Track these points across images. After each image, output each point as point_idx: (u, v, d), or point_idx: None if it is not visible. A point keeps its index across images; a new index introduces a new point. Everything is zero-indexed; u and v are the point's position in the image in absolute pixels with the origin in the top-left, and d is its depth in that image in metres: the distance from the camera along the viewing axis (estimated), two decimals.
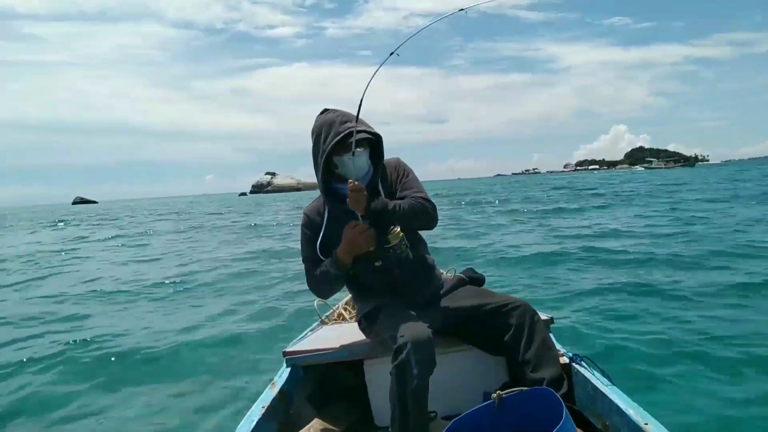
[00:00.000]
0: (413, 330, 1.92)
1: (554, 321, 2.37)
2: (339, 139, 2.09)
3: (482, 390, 2.23)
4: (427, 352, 1.91)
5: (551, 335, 2.25)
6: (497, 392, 1.82)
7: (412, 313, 2.12)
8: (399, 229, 2.12)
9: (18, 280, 10.32)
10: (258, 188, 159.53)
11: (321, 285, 2.27)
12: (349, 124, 2.10)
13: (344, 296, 3.30)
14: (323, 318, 3.16)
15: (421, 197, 2.20)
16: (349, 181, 2.08)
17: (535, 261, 8.88)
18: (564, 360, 2.20)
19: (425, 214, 2.18)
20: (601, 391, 1.92)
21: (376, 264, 2.20)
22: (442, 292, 2.36)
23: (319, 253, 2.24)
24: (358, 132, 2.07)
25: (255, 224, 23.01)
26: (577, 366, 2.16)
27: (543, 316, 2.27)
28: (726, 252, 8.29)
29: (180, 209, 48.57)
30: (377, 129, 2.20)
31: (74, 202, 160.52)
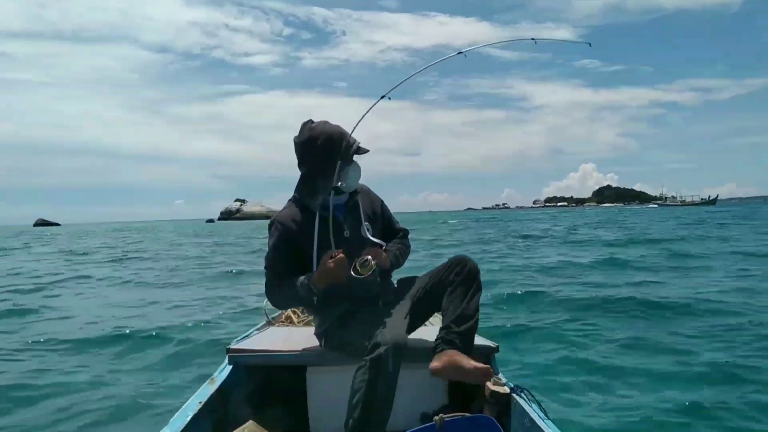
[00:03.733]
0: (393, 330, 2.04)
1: (499, 350, 2.46)
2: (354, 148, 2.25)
3: (420, 410, 2.31)
4: (402, 354, 2.00)
5: (494, 363, 2.42)
6: (440, 415, 1.92)
7: (391, 314, 2.20)
8: (374, 262, 2.16)
9: None
10: (226, 215, 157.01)
11: (283, 301, 2.33)
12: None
13: None
14: (270, 319, 3.13)
15: (407, 237, 2.59)
16: (332, 252, 2.12)
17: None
18: (504, 390, 2.18)
19: (407, 255, 2.51)
20: (538, 425, 1.93)
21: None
22: (395, 292, 2.44)
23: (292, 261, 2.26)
24: (360, 148, 2.28)
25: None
26: (516, 397, 2.15)
27: (489, 343, 2.45)
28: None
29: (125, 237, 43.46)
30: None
31: (36, 224, 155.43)
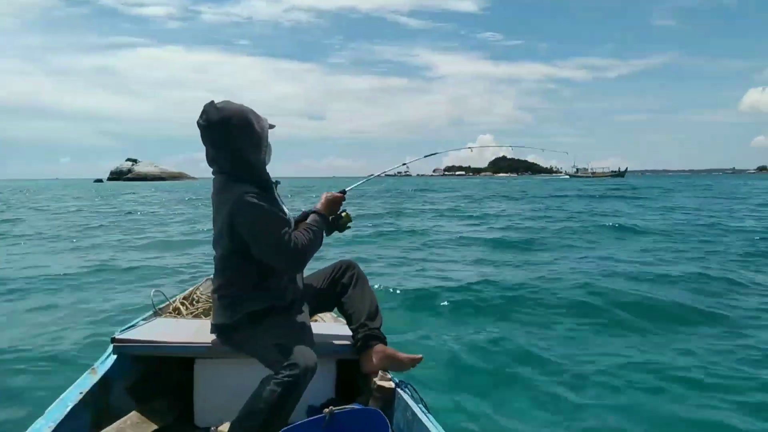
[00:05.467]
0: (308, 350, 2.06)
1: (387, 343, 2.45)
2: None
3: (308, 403, 2.32)
4: (314, 374, 2.05)
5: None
6: (330, 408, 1.95)
7: (303, 323, 2.27)
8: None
9: None
10: (117, 175, 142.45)
11: (314, 244, 2.22)
12: None
13: (181, 292, 3.42)
14: (158, 309, 3.05)
15: None
16: (343, 191, 2.47)
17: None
18: (390, 385, 2.27)
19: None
20: (419, 418, 2.00)
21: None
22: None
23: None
24: (270, 124, 2.30)
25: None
26: (401, 392, 2.23)
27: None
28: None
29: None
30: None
31: None
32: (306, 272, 2.50)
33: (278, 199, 2.28)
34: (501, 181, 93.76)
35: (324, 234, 2.33)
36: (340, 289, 2.48)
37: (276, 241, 2.10)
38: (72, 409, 1.96)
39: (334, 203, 2.41)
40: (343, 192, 2.48)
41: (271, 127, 2.29)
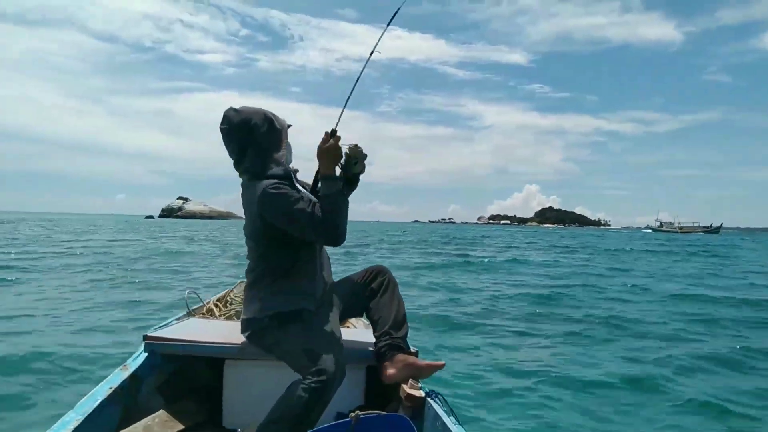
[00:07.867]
0: (337, 355, 2.04)
1: (418, 354, 2.40)
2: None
3: (336, 410, 2.30)
4: (341, 382, 2.05)
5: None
6: (356, 412, 1.84)
7: (332, 328, 2.19)
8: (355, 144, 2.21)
9: None
10: (168, 212, 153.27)
11: (337, 210, 2.12)
12: None
13: (215, 293, 3.53)
14: (191, 310, 3.08)
15: None
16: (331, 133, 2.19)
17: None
18: (420, 394, 2.24)
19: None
20: (449, 429, 1.95)
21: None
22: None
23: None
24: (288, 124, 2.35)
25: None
26: (431, 401, 2.19)
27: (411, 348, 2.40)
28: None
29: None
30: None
31: None
32: (338, 276, 2.50)
33: (299, 186, 2.27)
34: (567, 235, 74.18)
35: (343, 191, 2.20)
36: (369, 293, 2.43)
37: (306, 219, 2.09)
38: (101, 403, 1.98)
39: (329, 152, 2.17)
40: (333, 132, 2.19)
41: (289, 126, 2.33)
